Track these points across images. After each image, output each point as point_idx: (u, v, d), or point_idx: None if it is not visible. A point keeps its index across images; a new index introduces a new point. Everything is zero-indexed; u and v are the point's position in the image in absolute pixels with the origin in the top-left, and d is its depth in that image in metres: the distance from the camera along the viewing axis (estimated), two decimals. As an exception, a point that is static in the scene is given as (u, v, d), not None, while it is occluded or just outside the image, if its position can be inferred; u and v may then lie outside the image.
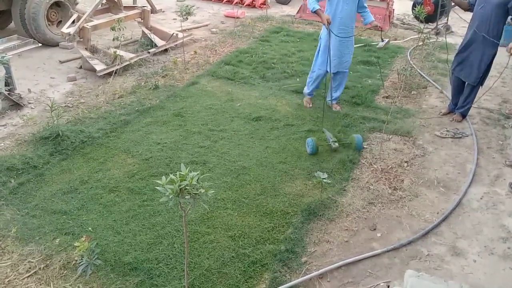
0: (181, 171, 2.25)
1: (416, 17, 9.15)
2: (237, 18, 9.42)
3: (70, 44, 7.28)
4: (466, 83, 5.16)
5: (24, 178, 4.02)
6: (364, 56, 7.43)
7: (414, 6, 9.40)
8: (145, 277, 3.05)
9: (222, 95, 5.89)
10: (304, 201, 3.85)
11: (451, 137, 5.01)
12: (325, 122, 5.16)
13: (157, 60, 7.05)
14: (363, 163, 4.47)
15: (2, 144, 4.58)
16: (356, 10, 5.13)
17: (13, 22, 7.43)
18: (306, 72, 6.63)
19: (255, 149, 4.64)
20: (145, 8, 7.95)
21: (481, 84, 5.12)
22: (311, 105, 5.65)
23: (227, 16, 9.82)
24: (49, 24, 7.34)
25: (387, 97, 5.99)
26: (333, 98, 5.55)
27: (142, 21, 7.93)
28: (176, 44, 7.58)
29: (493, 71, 6.95)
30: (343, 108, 5.59)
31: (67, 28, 6.93)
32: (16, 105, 5.37)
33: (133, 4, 8.91)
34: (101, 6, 8.14)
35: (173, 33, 7.61)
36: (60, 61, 6.86)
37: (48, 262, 3.15)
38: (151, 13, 8.13)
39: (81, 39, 6.97)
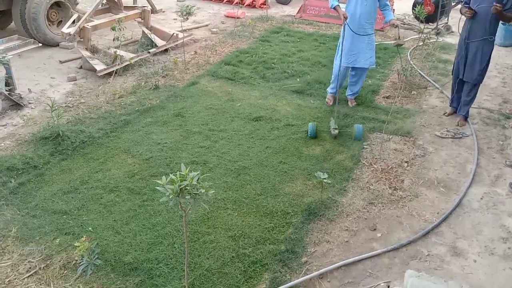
0: (181, 171, 2.25)
1: (417, 17, 9.15)
2: (237, 18, 9.42)
3: (71, 44, 7.28)
4: (466, 82, 5.16)
5: (24, 178, 4.02)
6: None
7: (414, 6, 9.41)
8: (145, 277, 3.05)
9: (222, 95, 5.89)
10: (304, 201, 3.85)
11: (451, 137, 5.01)
12: (324, 122, 5.17)
13: (157, 60, 7.05)
14: (363, 163, 4.47)
15: (3, 144, 4.58)
16: (376, 7, 5.25)
17: (13, 22, 7.43)
18: (306, 72, 6.67)
19: (255, 149, 4.64)
20: (145, 8, 7.96)
21: (481, 82, 5.12)
22: (331, 103, 5.71)
23: (227, 16, 9.83)
24: (49, 24, 7.35)
25: (387, 97, 5.99)
26: (351, 93, 5.71)
27: (143, 21, 7.94)
28: (177, 44, 7.58)
29: (493, 71, 6.99)
30: (343, 108, 5.59)
31: (67, 28, 6.94)
32: (17, 105, 5.37)
33: (134, 4, 8.92)
34: (101, 6, 8.15)
35: (173, 33, 7.61)
36: (60, 61, 6.87)
37: (48, 262, 3.15)
38: (152, 13, 8.14)
39: (82, 39, 6.98)
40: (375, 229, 3.61)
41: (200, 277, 3.07)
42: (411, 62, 7.13)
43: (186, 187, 2.20)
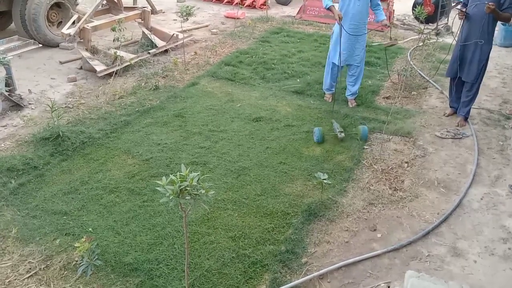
0: (181, 172, 2.25)
1: (417, 18, 9.16)
2: (237, 18, 9.43)
3: (71, 45, 7.28)
4: (465, 82, 5.16)
5: (24, 178, 4.02)
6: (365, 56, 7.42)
7: (414, 6, 9.41)
8: (146, 277, 3.05)
9: (222, 95, 5.89)
10: (305, 201, 3.85)
11: (451, 138, 5.01)
12: (325, 123, 5.17)
13: (158, 61, 7.06)
14: (364, 164, 4.47)
15: (3, 145, 4.58)
16: (368, 7, 5.33)
17: (13, 23, 7.44)
18: (306, 73, 6.67)
19: (255, 149, 4.64)
20: (145, 9, 7.96)
21: (480, 81, 5.13)
22: (330, 100, 5.81)
23: (227, 17, 9.83)
24: (49, 25, 7.35)
25: (387, 98, 5.99)
26: (350, 93, 5.76)
27: (143, 22, 7.94)
28: (177, 45, 7.58)
29: (493, 72, 6.99)
30: (343, 109, 5.59)
31: (67, 29, 6.94)
32: (17, 106, 5.37)
33: (134, 4, 8.92)
34: (102, 7, 8.16)
35: (173, 34, 7.62)
36: (60, 62, 6.87)
37: (48, 263, 3.15)
38: (152, 14, 8.14)
39: (82, 40, 6.98)
40: (375, 230, 3.61)
41: (200, 277, 3.07)
42: (411, 62, 7.13)
43: (186, 188, 2.20)
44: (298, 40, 8.29)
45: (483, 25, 4.81)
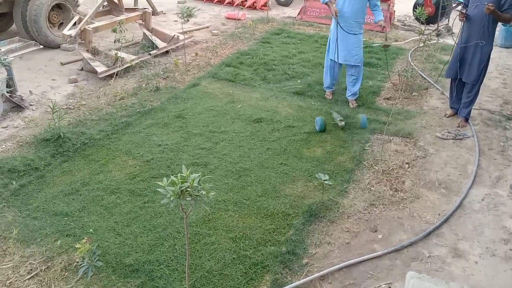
0: (182, 173, 2.25)
1: (417, 19, 9.16)
2: (238, 20, 9.44)
3: (72, 46, 7.31)
4: (466, 83, 5.16)
5: (25, 180, 4.03)
6: (365, 57, 7.42)
7: (415, 7, 9.41)
8: (146, 278, 3.05)
9: (223, 96, 5.90)
10: (305, 202, 3.85)
11: (452, 139, 5.01)
12: (327, 121, 5.17)
13: (158, 62, 7.06)
14: (364, 165, 4.47)
15: (4, 146, 4.59)
16: (365, 7, 5.35)
17: (14, 24, 7.45)
18: (307, 74, 6.67)
19: (256, 150, 4.64)
20: (146, 10, 7.98)
21: (481, 82, 5.13)
22: (330, 97, 5.92)
23: (228, 18, 9.84)
24: (50, 26, 7.37)
25: (388, 99, 5.99)
26: (350, 94, 5.79)
27: (143, 23, 7.96)
28: (177, 46, 7.59)
29: (494, 72, 6.99)
30: (344, 110, 5.59)
31: (68, 30, 6.96)
32: (18, 107, 5.38)
33: (134, 6, 8.94)
34: (102, 8, 8.17)
35: (174, 35, 7.62)
36: (61, 63, 6.88)
37: (49, 264, 3.15)
38: (152, 15, 8.16)
39: (83, 41, 7.00)
40: (376, 231, 3.61)
41: (201, 278, 3.07)
42: (411, 63, 7.13)
43: (187, 189, 2.20)
44: (299, 41, 8.30)
45: (483, 26, 4.81)
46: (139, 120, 5.18)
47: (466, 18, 4.94)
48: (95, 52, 6.96)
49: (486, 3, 4.58)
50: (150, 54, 7.07)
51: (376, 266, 3.27)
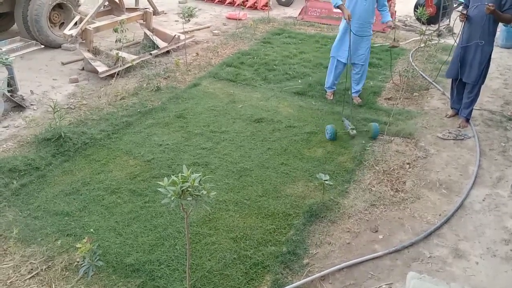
0: (183, 173, 2.25)
1: (418, 19, 9.14)
2: (239, 20, 9.44)
3: (73, 46, 7.31)
4: (467, 83, 5.15)
5: (26, 179, 4.03)
6: (366, 57, 7.43)
7: (416, 7, 9.41)
8: (147, 278, 3.05)
9: (224, 96, 5.90)
10: (306, 202, 3.85)
11: (453, 139, 5.00)
12: (327, 123, 5.16)
13: (159, 62, 7.07)
14: (365, 165, 4.46)
15: (5, 146, 4.59)
16: (374, 7, 5.38)
17: (15, 24, 7.46)
18: (308, 74, 6.67)
19: (256, 150, 4.64)
20: (147, 10, 7.99)
21: (482, 83, 5.12)
22: (331, 98, 5.92)
23: (229, 18, 9.84)
24: (51, 26, 7.37)
25: (389, 99, 5.99)
26: (354, 91, 5.82)
27: (144, 23, 7.96)
28: (178, 46, 7.59)
29: (495, 73, 6.98)
30: (346, 109, 5.58)
31: (69, 30, 6.97)
32: (19, 107, 5.39)
33: (135, 6, 8.95)
34: (103, 8, 8.18)
35: (175, 35, 7.63)
36: (62, 63, 6.89)
37: (50, 264, 3.15)
38: (153, 15, 8.17)
39: (84, 41, 7.01)
40: (376, 231, 3.61)
41: (202, 278, 3.07)
42: (413, 63, 7.12)
43: (188, 189, 2.20)
44: (300, 41, 8.30)
45: (484, 26, 4.81)
46: (140, 120, 5.19)
47: (466, 18, 4.94)
48: (96, 52, 6.97)
49: (486, 3, 4.58)
50: (151, 54, 7.07)
51: (376, 267, 3.26)
